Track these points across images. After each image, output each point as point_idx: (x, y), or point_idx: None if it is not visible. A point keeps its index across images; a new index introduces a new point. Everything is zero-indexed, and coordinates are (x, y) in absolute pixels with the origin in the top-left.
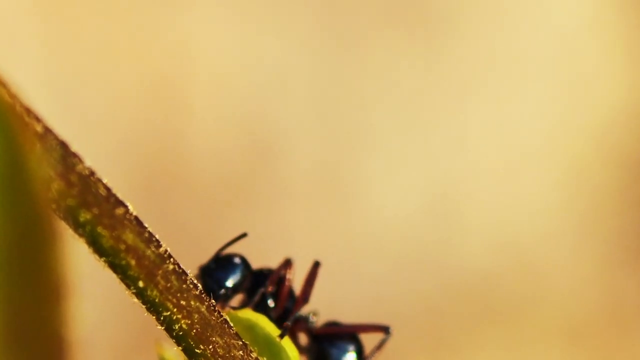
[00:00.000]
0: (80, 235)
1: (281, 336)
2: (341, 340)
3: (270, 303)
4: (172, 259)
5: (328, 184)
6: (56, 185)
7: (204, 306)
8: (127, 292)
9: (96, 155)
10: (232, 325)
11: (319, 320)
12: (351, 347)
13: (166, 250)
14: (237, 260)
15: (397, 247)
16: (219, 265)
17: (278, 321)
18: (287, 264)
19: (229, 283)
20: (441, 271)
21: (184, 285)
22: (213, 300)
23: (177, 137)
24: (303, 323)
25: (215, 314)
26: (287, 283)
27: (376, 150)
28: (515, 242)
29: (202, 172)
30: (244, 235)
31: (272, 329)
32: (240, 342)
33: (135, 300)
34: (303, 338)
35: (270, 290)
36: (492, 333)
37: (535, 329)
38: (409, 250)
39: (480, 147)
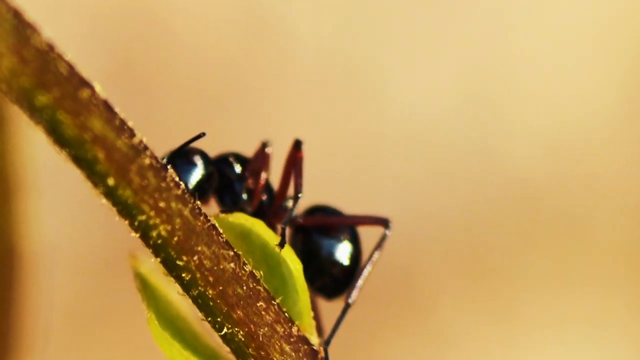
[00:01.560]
0: (37, 122)
1: (280, 245)
2: (333, 230)
3: (253, 201)
4: (148, 152)
5: (339, 73)
6: (7, 61)
7: (187, 208)
8: (94, 191)
9: (63, 34)
10: (221, 232)
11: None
12: (345, 238)
13: (141, 141)
14: (194, 155)
15: (425, 154)
16: (174, 163)
17: (263, 218)
18: (263, 150)
19: (189, 181)
20: (479, 183)
21: (163, 184)
22: (198, 202)
23: (158, 13)
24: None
25: (201, 218)
26: (264, 174)
27: (396, 34)
28: (568, 148)
29: (188, 54)
30: (202, 135)
31: (270, 236)
32: (232, 253)
33: (104, 201)
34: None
35: (248, 183)
36: (540, 254)
37: (590, 246)
38: (440, 158)
39: (525, 35)
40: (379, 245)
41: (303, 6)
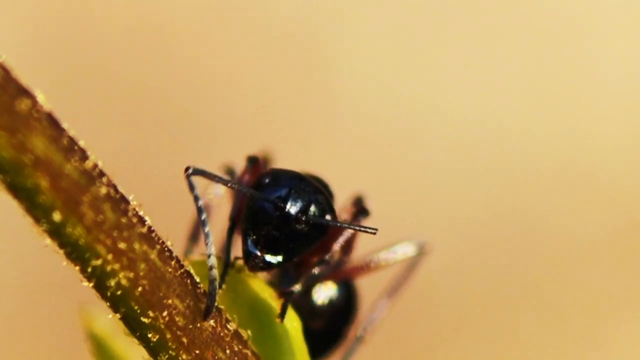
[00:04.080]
0: None
1: (281, 316)
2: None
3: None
4: (105, 179)
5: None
6: None
7: (155, 250)
8: (35, 228)
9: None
10: (198, 280)
11: None
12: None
13: (96, 166)
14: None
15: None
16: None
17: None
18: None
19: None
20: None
21: (124, 219)
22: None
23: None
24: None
25: (173, 263)
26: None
27: (463, 34)
28: None
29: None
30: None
31: (260, 287)
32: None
33: (49, 241)
34: None
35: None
36: None
37: None
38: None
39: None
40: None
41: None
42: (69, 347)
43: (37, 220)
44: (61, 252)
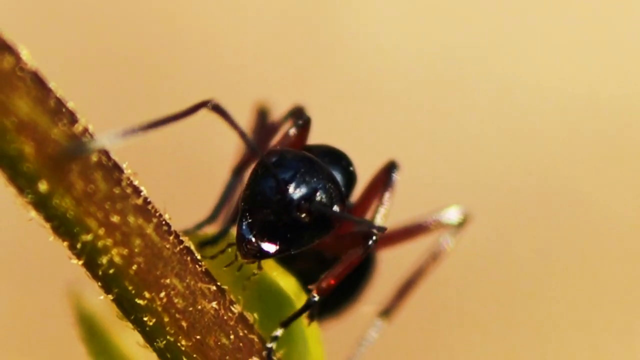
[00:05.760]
0: None
1: (310, 318)
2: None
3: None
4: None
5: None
6: None
7: (151, 224)
8: (19, 199)
9: None
10: (199, 257)
11: None
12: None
13: (86, 130)
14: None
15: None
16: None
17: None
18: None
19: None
20: None
21: (117, 189)
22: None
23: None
24: None
25: (171, 238)
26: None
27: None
28: None
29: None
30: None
31: (269, 264)
32: (214, 287)
33: (34, 214)
34: None
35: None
36: None
37: None
38: None
39: None
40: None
41: None
42: (55, 332)
43: (21, 190)
44: (47, 226)
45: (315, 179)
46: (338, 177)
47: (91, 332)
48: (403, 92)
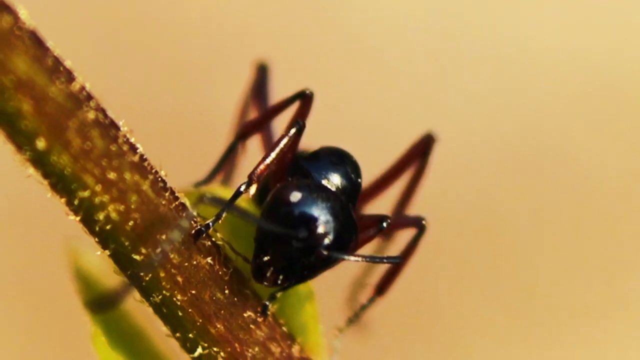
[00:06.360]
0: None
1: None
2: None
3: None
4: (93, 102)
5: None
6: None
7: (147, 181)
8: (17, 156)
9: None
10: (194, 214)
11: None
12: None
13: (83, 88)
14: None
15: None
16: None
17: None
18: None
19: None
20: None
21: (113, 146)
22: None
23: None
24: None
25: (167, 194)
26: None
27: None
28: None
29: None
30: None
31: None
32: (209, 243)
33: (32, 171)
34: None
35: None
36: None
37: None
38: None
39: None
40: (412, 244)
41: None
42: (52, 287)
43: (20, 147)
44: (45, 182)
45: (334, 224)
46: (347, 184)
47: (88, 287)
48: (394, 50)
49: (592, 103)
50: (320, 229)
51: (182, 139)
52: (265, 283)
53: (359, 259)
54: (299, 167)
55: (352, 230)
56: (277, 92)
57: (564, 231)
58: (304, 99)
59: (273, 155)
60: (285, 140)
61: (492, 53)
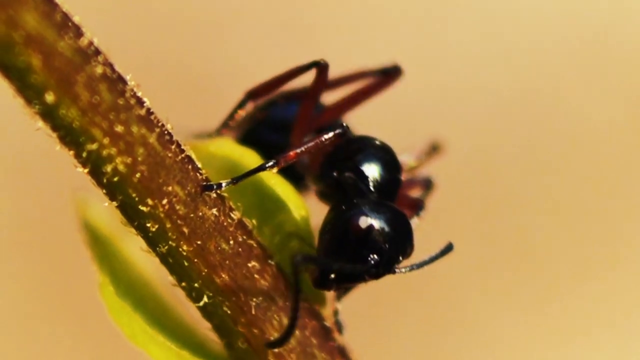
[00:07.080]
0: None
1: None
2: None
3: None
4: (101, 57)
5: None
6: None
7: (154, 134)
8: (27, 110)
9: None
10: (200, 166)
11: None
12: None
13: (91, 43)
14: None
15: None
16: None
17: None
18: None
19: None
20: None
21: (121, 100)
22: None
23: None
24: None
25: (173, 147)
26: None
27: None
28: None
29: None
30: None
31: (267, 174)
32: (214, 195)
33: (41, 124)
34: None
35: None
36: None
37: None
38: None
39: None
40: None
41: None
42: (61, 237)
43: (29, 101)
44: (54, 135)
45: (403, 245)
46: (393, 187)
47: (96, 237)
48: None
49: (584, 54)
50: (393, 253)
51: (190, 93)
52: (324, 287)
53: (423, 265)
54: (341, 165)
55: (412, 240)
56: (287, 55)
57: (557, 180)
58: (320, 68)
59: (308, 148)
60: (324, 141)
61: (484, 4)
